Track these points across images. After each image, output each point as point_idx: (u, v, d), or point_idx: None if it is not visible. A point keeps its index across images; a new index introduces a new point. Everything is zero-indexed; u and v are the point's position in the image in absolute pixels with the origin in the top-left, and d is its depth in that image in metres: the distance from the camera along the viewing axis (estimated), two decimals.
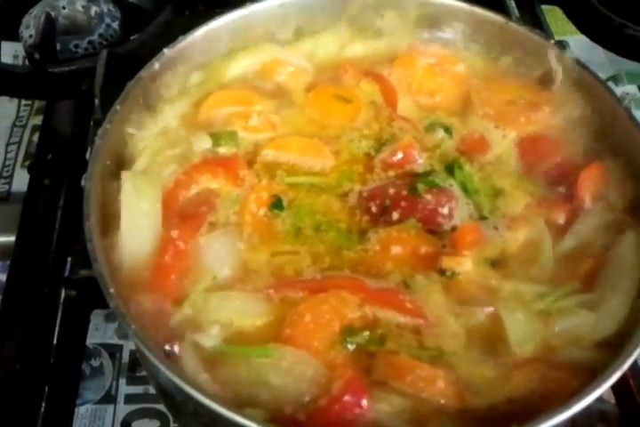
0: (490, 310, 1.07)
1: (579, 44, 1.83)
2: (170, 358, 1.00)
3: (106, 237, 1.11)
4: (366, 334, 1.04)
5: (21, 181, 1.71)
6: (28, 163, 1.79)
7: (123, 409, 1.48)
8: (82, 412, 1.46)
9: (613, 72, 2.05)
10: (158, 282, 1.08)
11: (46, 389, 1.28)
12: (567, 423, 1.38)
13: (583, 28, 1.79)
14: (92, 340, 1.55)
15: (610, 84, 1.98)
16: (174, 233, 1.12)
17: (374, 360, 1.02)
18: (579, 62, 1.30)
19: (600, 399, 1.42)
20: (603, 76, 1.63)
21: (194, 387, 0.93)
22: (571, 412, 0.91)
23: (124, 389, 1.50)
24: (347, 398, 0.95)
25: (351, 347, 1.03)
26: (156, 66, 1.27)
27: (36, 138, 1.75)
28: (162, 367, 0.94)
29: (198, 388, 0.93)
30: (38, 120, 1.79)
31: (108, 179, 1.17)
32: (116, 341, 1.57)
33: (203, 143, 1.24)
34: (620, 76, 2.05)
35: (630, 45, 1.71)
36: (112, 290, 1.00)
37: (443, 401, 0.98)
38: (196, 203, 1.18)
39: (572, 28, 1.87)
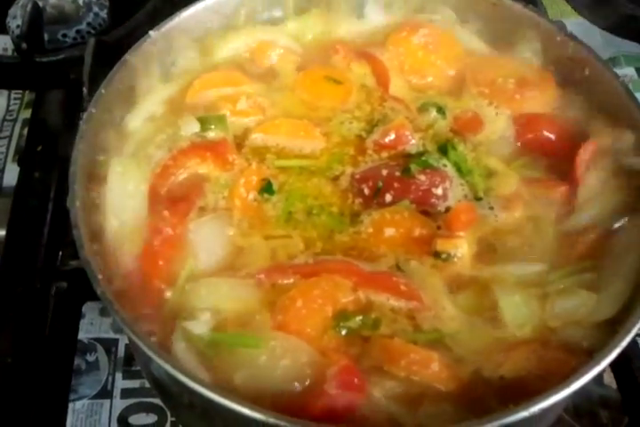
0: (486, 290, 1.05)
1: (576, 26, 1.79)
2: (161, 346, 0.98)
3: (94, 223, 1.09)
4: (359, 318, 1.02)
5: (12, 175, 1.69)
6: (18, 157, 1.77)
7: (119, 404, 1.46)
8: (78, 407, 1.44)
9: (611, 54, 2.02)
10: (146, 268, 1.06)
11: (39, 382, 1.27)
12: (569, 408, 1.38)
13: (579, 8, 1.76)
14: (87, 334, 1.53)
15: None
16: (163, 218, 1.10)
17: (368, 345, 1.01)
18: (574, 37, 1.28)
19: (602, 384, 1.42)
20: None
21: (185, 374, 0.91)
22: (569, 390, 0.89)
23: (121, 383, 1.48)
24: (341, 384, 0.93)
25: (344, 332, 1.02)
26: (142, 48, 1.25)
27: (26, 132, 1.72)
28: (152, 355, 0.93)
29: (190, 375, 0.92)
30: (29, 114, 1.76)
31: (95, 164, 1.15)
32: (111, 335, 1.55)
33: (191, 127, 1.22)
34: (618, 58, 2.02)
35: (626, 25, 1.69)
36: (100, 276, 0.99)
37: (437, 384, 0.96)
38: (185, 188, 1.17)
39: (569, 10, 1.85)
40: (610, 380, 1.40)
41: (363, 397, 0.95)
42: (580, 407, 1.41)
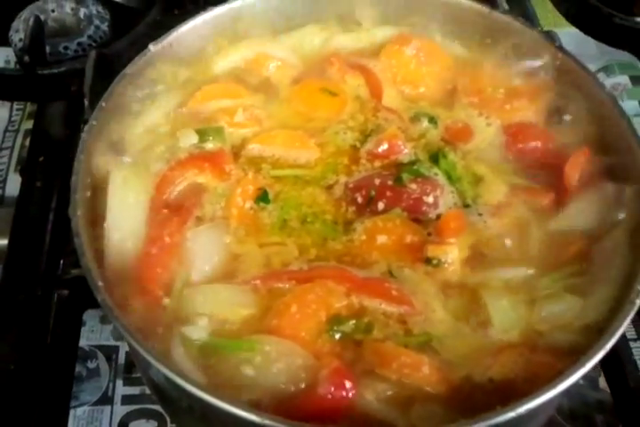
0: (475, 295, 1.08)
1: (570, 36, 1.83)
2: (160, 351, 1.00)
3: (94, 231, 1.11)
4: (352, 322, 1.05)
5: (14, 185, 1.71)
6: (20, 167, 1.79)
7: (120, 410, 1.47)
8: (79, 413, 1.45)
9: (605, 63, 2.04)
10: (145, 275, 1.09)
11: (41, 388, 1.28)
12: (564, 412, 1.40)
13: (572, 19, 1.79)
14: (87, 342, 1.55)
15: (601, 75, 1.99)
16: (161, 227, 1.13)
17: (361, 349, 1.03)
18: (562, 49, 1.30)
19: (597, 389, 1.44)
20: (594, 67, 1.62)
21: (183, 378, 0.93)
22: (555, 391, 0.91)
23: (121, 390, 1.50)
24: (333, 385, 0.95)
25: (338, 336, 1.04)
26: (142, 62, 1.28)
27: (28, 143, 1.74)
28: (151, 360, 0.95)
29: (188, 379, 0.94)
30: (30, 125, 1.77)
31: (96, 174, 1.17)
32: (111, 342, 1.56)
33: (189, 139, 1.24)
34: (612, 66, 2.04)
35: (618, 34, 1.71)
36: (100, 283, 1.01)
37: (428, 387, 0.98)
38: (183, 197, 1.19)
39: (563, 20, 1.87)
40: (605, 384, 1.42)
41: (354, 397, 0.96)
42: (575, 411, 1.42)
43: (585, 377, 1.42)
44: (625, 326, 0.97)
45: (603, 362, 1.34)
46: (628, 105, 1.92)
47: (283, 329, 1.02)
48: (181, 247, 1.12)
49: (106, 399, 1.48)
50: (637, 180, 1.15)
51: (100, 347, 1.55)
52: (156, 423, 1.45)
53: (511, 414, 0.89)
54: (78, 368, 1.48)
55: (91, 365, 1.53)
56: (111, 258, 1.10)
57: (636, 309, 1.00)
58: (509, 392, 0.95)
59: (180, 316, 1.06)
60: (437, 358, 1.01)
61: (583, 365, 0.93)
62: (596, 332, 1.00)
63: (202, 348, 1.03)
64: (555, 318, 1.05)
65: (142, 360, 0.97)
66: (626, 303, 1.00)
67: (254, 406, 0.93)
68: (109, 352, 1.55)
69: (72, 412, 1.41)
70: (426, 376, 0.98)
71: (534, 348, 1.02)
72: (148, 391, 1.47)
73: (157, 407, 1.45)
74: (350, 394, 0.96)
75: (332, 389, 0.95)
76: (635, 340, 1.52)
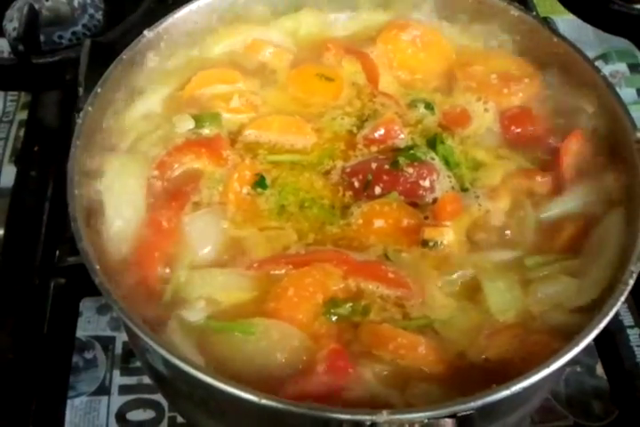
0: (471, 277, 1.09)
1: (568, 23, 1.84)
2: (158, 334, 1.00)
3: (91, 217, 1.11)
4: (349, 305, 1.05)
5: (9, 176, 1.70)
6: (15, 158, 1.79)
7: (117, 400, 1.47)
8: (76, 404, 1.45)
9: (603, 51, 2.03)
10: (143, 260, 1.09)
11: (39, 379, 1.29)
12: (562, 399, 1.40)
13: (569, 5, 1.79)
14: (84, 332, 1.54)
15: (599, 62, 1.98)
16: (159, 212, 1.13)
17: (358, 330, 1.03)
18: (557, 33, 1.30)
19: (594, 375, 1.44)
20: (592, 55, 1.62)
21: (181, 359, 0.93)
22: (549, 370, 0.91)
23: (118, 380, 1.49)
24: (331, 366, 0.96)
25: (335, 318, 1.04)
26: (138, 48, 1.27)
27: (23, 133, 1.73)
28: (149, 341, 0.95)
29: (186, 360, 0.94)
30: (25, 115, 1.77)
31: (92, 160, 1.16)
32: (108, 333, 1.56)
33: (186, 124, 1.24)
34: (610, 54, 2.03)
35: (615, 21, 1.71)
36: (97, 266, 1.01)
37: (424, 367, 0.99)
38: (181, 183, 1.19)
39: (561, 7, 1.87)
40: (602, 371, 1.42)
41: (351, 377, 0.97)
42: (572, 398, 1.43)
43: (582, 364, 1.45)
44: (618, 306, 0.98)
45: (600, 349, 1.36)
46: (626, 93, 1.92)
47: (280, 312, 1.02)
48: (179, 232, 1.12)
49: (103, 390, 1.48)
50: (632, 165, 1.15)
51: (97, 337, 1.55)
52: (153, 413, 1.45)
53: (506, 393, 0.89)
54: (75, 359, 1.48)
55: (88, 355, 1.52)
56: (109, 243, 1.10)
57: (629, 289, 1.00)
58: (506, 372, 0.95)
59: (178, 299, 1.06)
60: (434, 338, 1.02)
61: (577, 344, 0.93)
62: (591, 312, 1.00)
63: (199, 330, 1.03)
64: (550, 298, 1.06)
65: (141, 344, 0.98)
66: (619, 284, 1.01)
67: (252, 386, 0.92)
68: (106, 343, 1.54)
69: (70, 402, 1.42)
70: (422, 357, 0.99)
71: (530, 328, 1.03)
72: (145, 381, 1.47)
73: (155, 397, 1.45)
74: (347, 374, 0.96)
75: (330, 369, 0.95)
76: (631, 327, 1.52)
